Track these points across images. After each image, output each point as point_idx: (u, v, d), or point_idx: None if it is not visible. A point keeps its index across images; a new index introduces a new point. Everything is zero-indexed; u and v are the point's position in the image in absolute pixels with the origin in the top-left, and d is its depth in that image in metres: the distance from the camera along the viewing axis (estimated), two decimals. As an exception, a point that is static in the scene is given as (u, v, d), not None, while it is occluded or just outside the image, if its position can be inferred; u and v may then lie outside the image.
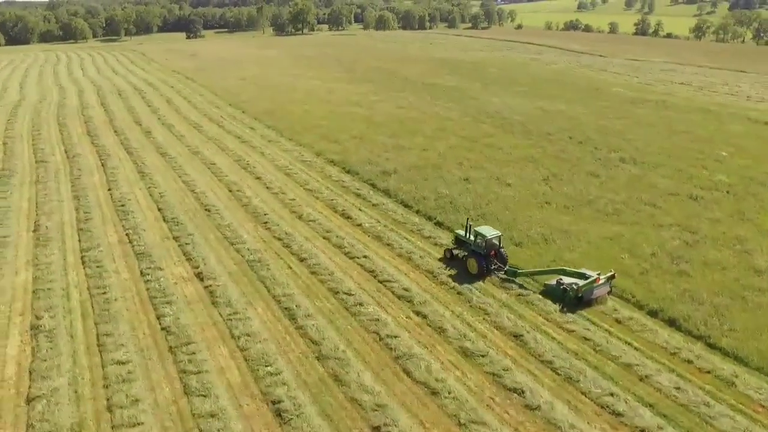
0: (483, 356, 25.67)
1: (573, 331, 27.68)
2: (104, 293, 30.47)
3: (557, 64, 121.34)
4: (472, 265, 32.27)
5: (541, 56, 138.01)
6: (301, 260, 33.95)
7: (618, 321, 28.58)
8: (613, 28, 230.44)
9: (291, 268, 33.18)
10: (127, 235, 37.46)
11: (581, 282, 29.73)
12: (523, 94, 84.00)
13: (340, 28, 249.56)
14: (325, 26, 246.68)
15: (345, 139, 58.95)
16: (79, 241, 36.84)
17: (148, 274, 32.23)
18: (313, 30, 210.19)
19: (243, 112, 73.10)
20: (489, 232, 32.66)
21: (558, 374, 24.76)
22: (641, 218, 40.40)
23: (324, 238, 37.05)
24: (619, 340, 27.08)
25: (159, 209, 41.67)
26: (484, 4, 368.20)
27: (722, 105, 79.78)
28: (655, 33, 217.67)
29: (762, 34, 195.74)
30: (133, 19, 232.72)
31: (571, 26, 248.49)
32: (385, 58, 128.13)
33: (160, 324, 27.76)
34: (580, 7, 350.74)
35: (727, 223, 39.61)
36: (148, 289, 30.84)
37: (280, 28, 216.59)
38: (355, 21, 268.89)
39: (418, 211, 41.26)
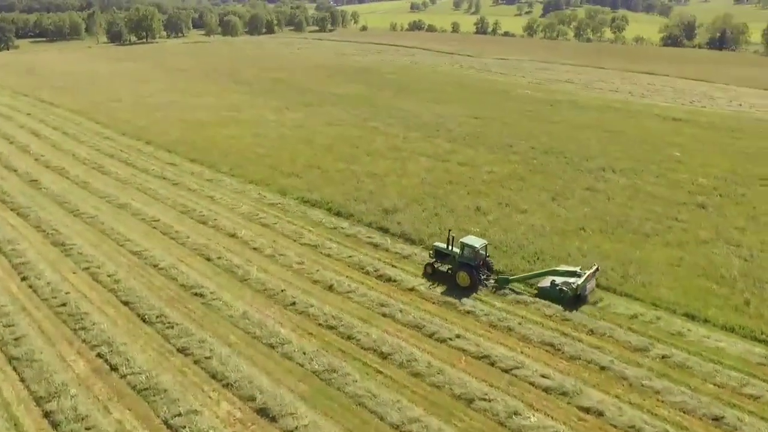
0: (712, 462, 19.60)
1: (758, 397, 22.72)
2: (128, 476, 18.81)
3: (441, 66, 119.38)
4: (464, 278, 30.19)
5: (416, 58, 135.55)
6: (384, 357, 24.80)
7: (780, 373, 24.28)
8: (455, 28, 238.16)
9: (381, 372, 23.92)
10: (100, 356, 24.89)
11: (575, 280, 29.14)
12: (441, 101, 79.30)
13: (179, 34, 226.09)
14: (163, 33, 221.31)
15: (301, 170, 48.83)
16: (22, 381, 23.58)
17: (183, 427, 20.84)
18: (155, 38, 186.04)
19: (147, 143, 58.41)
20: (477, 242, 30.88)
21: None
22: (680, 236, 37.24)
23: (385, 315, 28.02)
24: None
25: (125, 303, 28.99)
26: (319, 6, 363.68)
27: (622, 102, 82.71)
28: (494, 32, 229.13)
29: (581, 33, 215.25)
30: None
31: (415, 26, 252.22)
32: (266, 66, 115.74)
33: None
34: (413, 7, 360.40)
35: (755, 232, 37.97)
36: (198, 453, 19.74)
37: (115, 37, 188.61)
38: (194, 27, 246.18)
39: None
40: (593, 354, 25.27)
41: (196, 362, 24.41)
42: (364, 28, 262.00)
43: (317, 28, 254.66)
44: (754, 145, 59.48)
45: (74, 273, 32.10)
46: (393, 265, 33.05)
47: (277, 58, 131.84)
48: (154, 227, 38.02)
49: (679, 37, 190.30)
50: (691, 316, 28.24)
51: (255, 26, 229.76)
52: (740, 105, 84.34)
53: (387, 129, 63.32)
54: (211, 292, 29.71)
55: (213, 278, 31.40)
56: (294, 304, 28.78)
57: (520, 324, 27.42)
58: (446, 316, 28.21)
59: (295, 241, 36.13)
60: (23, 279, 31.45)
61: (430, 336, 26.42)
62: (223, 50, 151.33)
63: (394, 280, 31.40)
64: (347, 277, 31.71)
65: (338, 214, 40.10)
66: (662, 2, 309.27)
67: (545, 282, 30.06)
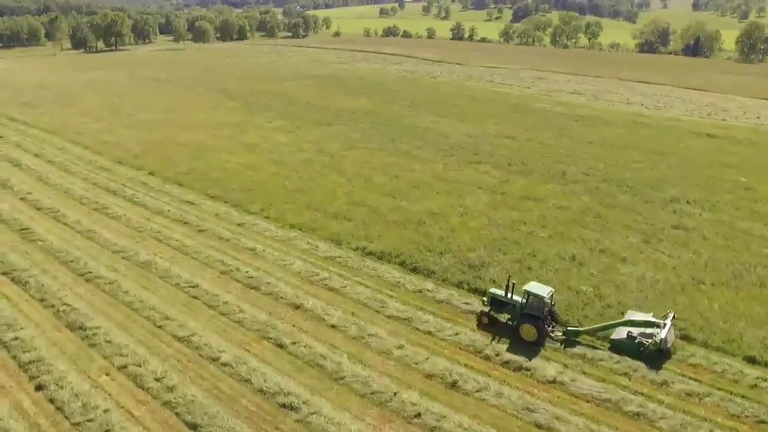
0: None
1: None
2: None
3: (439, 76, 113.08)
4: (530, 331, 26.28)
5: (405, 66, 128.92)
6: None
7: None
8: (431, 34, 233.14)
9: None
10: None
11: (655, 331, 25.53)
12: (462, 118, 73.01)
13: (146, 41, 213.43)
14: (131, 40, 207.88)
15: (347, 210, 41.50)
16: None
17: None
18: (123, 45, 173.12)
19: (150, 174, 49.85)
20: (542, 290, 26.98)
21: None
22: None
23: (540, 427, 21.37)
24: None
25: (191, 426, 21.31)
26: (286, 12, 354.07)
27: (643, 116, 78.23)
28: (470, 38, 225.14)
29: (557, 39, 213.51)
30: None
31: (390, 32, 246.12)
32: (252, 77, 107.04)
33: None
34: (382, 12, 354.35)
35: None
36: None
37: (79, 44, 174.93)
38: (160, 32, 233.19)
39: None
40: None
41: None
42: (337, 34, 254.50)
43: (290, 34, 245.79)
44: (809, 166, 55.46)
45: (107, 375, 24.10)
46: (524, 354, 26.24)
47: (259, 67, 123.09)
48: (195, 296, 30.15)
49: (655, 43, 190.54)
50: None
51: (227, 32, 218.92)
52: (758, 117, 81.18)
53: (420, 153, 56.44)
54: (304, 402, 22.30)
55: (296, 377, 23.96)
56: (419, 416, 21.72)
57: (712, 433, 21.22)
58: (615, 422, 21.76)
59: (378, 312, 28.93)
60: (39, 388, 23.25)
61: (614, 464, 19.89)
62: (200, 58, 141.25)
63: (526, 369, 24.72)
64: (466, 366, 24.82)
65: (415, 270, 33.06)
66: (628, 9, 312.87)
67: (620, 333, 26.14)
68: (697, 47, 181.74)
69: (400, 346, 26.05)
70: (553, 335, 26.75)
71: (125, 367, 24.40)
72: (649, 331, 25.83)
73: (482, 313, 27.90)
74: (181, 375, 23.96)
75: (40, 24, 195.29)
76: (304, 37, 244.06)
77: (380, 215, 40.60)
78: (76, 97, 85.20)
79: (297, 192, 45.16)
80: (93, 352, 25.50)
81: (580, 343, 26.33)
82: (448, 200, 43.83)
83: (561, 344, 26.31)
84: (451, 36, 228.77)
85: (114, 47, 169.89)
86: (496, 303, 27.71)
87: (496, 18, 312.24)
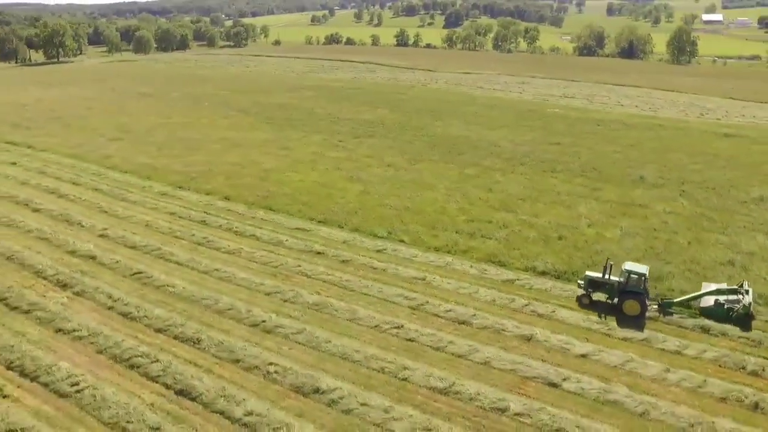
0: None
1: None
2: None
3: (428, 83, 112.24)
4: (634, 307, 28.90)
5: (381, 74, 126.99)
6: None
7: None
8: (375, 41, 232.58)
9: None
10: None
11: (740, 297, 28.48)
12: (491, 126, 72.47)
13: (78, 53, 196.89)
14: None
15: (476, 228, 39.18)
16: None
17: None
18: (67, 56, 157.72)
19: (226, 198, 44.98)
20: (641, 268, 29.90)
21: None
22: None
23: None
24: None
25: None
26: (213, 21, 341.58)
27: (647, 117, 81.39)
28: (415, 44, 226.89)
29: (500, 43, 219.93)
30: None
31: (333, 40, 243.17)
32: (245, 89, 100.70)
33: None
34: (314, 20, 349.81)
35: None
36: None
37: (8, 56, 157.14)
38: (89, 43, 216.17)
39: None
40: None
41: None
42: (277, 43, 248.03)
43: (231, 43, 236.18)
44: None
45: (397, 443, 20.73)
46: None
47: (240, 79, 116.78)
48: (409, 339, 26.63)
49: (593, 47, 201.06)
50: None
51: (168, 42, 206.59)
52: (743, 116, 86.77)
53: (489, 164, 55.03)
54: (638, 449, 20.33)
55: (605, 419, 21.79)
56: (763, 450, 20.40)
57: None
58: None
59: (608, 336, 27.12)
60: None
61: None
62: (164, 70, 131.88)
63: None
64: (745, 384, 23.67)
65: (603, 288, 31.74)
66: (551, 14, 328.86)
67: (708, 302, 28.93)
68: (632, 50, 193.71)
69: (666, 370, 24.62)
70: (649, 308, 29.10)
71: (413, 435, 21.08)
72: (732, 297, 28.63)
73: (581, 296, 30.21)
74: (482, 433, 21.09)
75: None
76: (244, 46, 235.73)
77: (514, 232, 38.83)
78: (70, 115, 76.12)
79: (408, 211, 42.30)
80: (356, 421, 21.85)
81: (674, 313, 28.87)
82: (563, 211, 42.84)
83: (659, 314, 28.89)
84: (396, 42, 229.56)
85: (57, 59, 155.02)
86: (594, 284, 29.97)
87: (429, 24, 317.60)
